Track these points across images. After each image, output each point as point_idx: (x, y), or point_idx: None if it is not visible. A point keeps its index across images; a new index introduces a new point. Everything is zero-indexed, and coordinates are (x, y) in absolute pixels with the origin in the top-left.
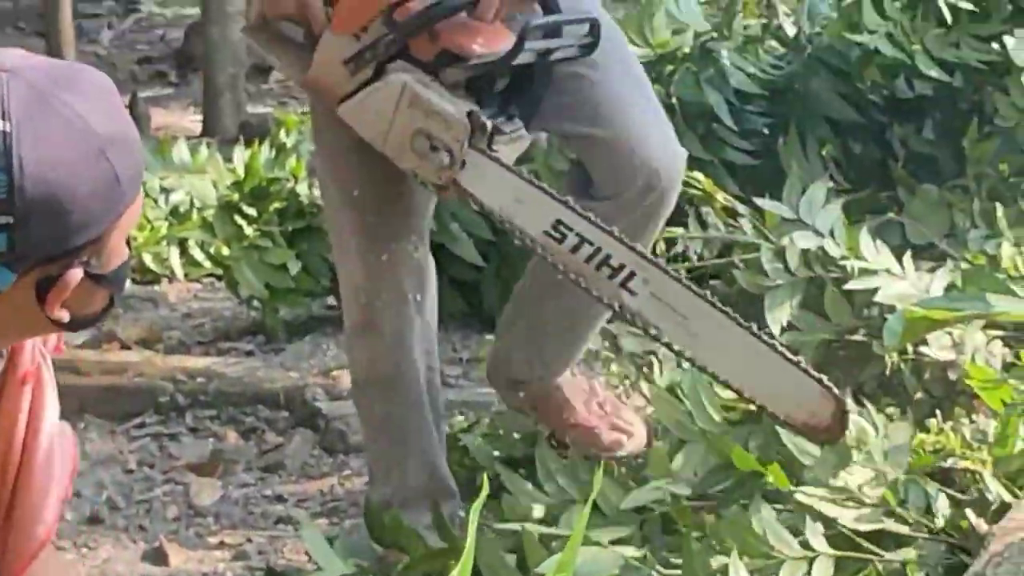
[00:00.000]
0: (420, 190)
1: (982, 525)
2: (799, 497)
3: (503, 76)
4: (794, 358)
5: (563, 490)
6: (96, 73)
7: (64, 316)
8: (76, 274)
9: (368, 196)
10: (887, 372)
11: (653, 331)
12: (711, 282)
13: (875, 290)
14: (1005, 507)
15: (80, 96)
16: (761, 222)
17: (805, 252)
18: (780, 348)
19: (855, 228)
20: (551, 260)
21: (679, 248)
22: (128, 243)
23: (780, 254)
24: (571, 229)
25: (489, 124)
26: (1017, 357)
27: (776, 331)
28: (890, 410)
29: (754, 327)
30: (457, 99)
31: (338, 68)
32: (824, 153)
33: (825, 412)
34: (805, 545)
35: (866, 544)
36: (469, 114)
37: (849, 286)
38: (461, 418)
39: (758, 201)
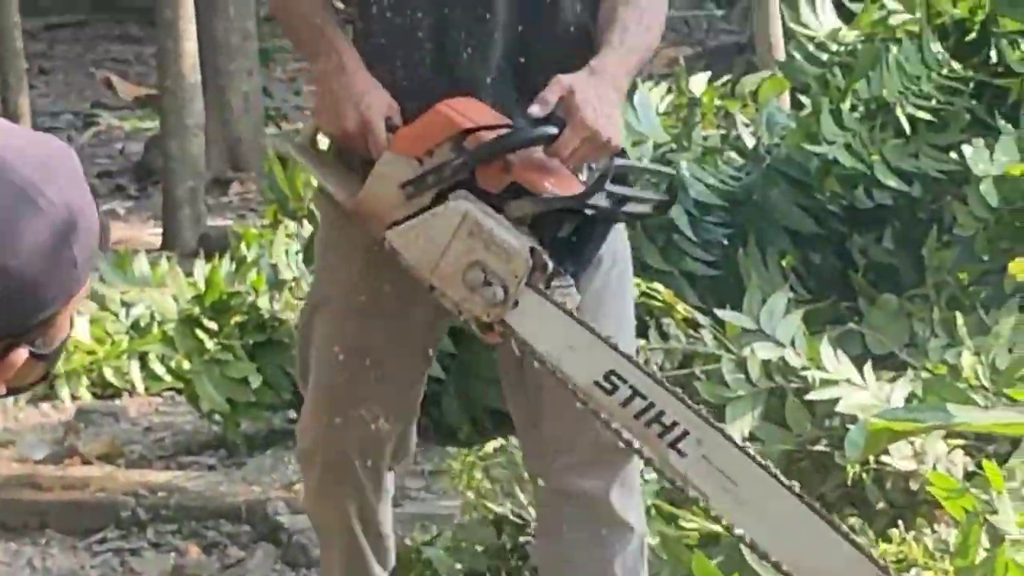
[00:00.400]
0: (412, 360)
1: None
2: None
3: (569, 222)
4: (847, 531)
5: None
6: (67, 153)
7: (1, 390)
8: (22, 354)
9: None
10: (849, 482)
11: (697, 495)
12: None
13: (836, 400)
14: None
15: (54, 184)
16: (722, 333)
17: (766, 362)
18: (834, 521)
19: (816, 338)
20: (595, 409)
21: (640, 358)
22: (71, 320)
23: (741, 365)
24: (624, 381)
25: (550, 264)
26: (979, 466)
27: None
28: (852, 520)
29: (806, 497)
30: (520, 234)
31: (394, 191)
32: (784, 263)
33: None
34: None
35: None
36: (531, 250)
37: (810, 396)
38: (423, 532)
39: (719, 312)
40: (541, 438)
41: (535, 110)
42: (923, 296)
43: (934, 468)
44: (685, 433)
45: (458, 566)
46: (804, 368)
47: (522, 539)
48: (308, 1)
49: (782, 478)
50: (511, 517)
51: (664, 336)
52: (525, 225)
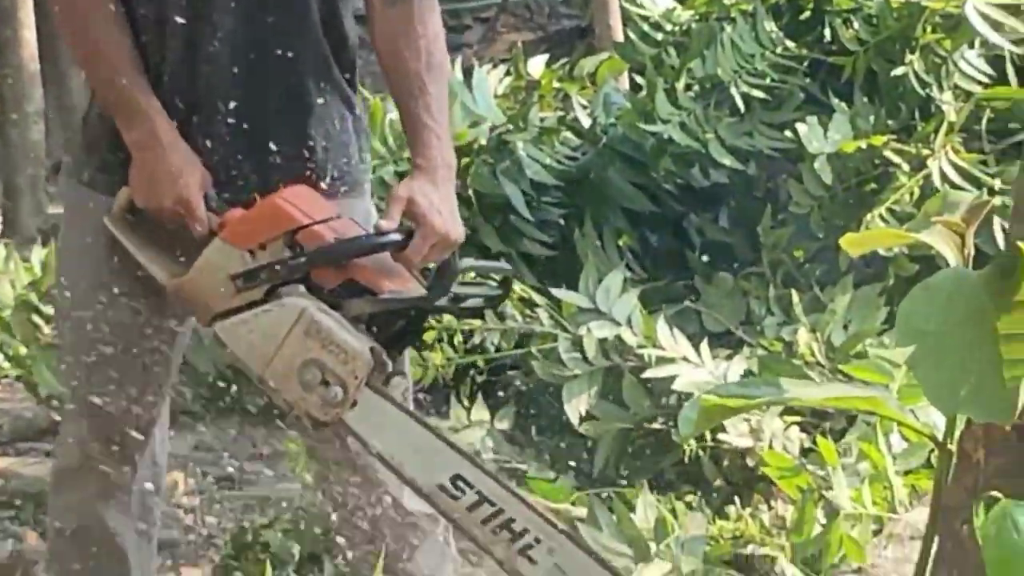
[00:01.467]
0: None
1: None
2: None
3: (403, 317)
4: None
5: None
6: None
7: None
8: None
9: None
10: (686, 460)
11: None
12: (508, 373)
13: (673, 378)
14: None
15: None
16: (558, 312)
17: (602, 341)
18: None
19: (652, 317)
20: (443, 512)
21: (476, 340)
22: None
23: (578, 344)
24: (471, 486)
25: (389, 364)
26: (815, 442)
27: (575, 421)
28: (689, 498)
29: None
30: (359, 333)
31: (222, 281)
32: (621, 243)
33: None
34: None
35: None
36: (372, 350)
37: (647, 375)
38: (261, 516)
39: (555, 291)
40: None
41: (384, 226)
42: (759, 274)
43: (770, 446)
44: (537, 540)
45: (296, 549)
46: (640, 346)
47: None
48: (115, 55)
49: None
50: None
51: (501, 316)
52: (361, 323)
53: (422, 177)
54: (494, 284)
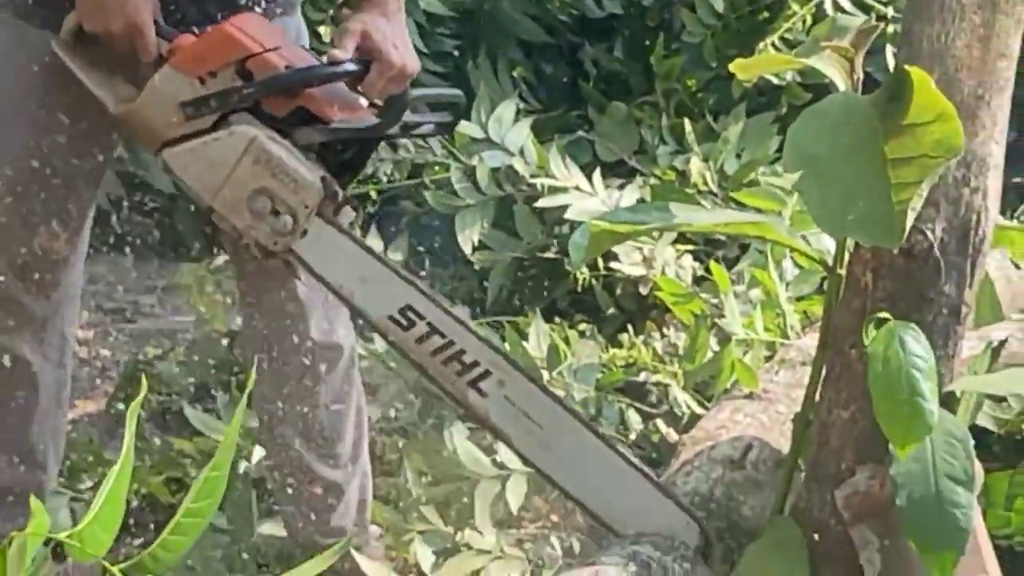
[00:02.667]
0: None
1: (672, 435)
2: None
3: (353, 147)
4: (660, 482)
5: None
6: None
7: None
8: None
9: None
10: (579, 289)
11: (502, 436)
12: (402, 203)
13: (565, 207)
14: (695, 418)
15: None
16: (451, 143)
17: (495, 171)
18: (645, 471)
19: (545, 146)
20: (392, 344)
21: (369, 170)
22: None
23: (470, 174)
24: (422, 317)
25: (340, 193)
26: (707, 270)
27: (468, 251)
28: (582, 327)
29: (618, 447)
30: (309, 162)
31: (171, 109)
32: (515, 73)
33: (690, 542)
34: (499, 464)
35: None
36: (322, 179)
37: (540, 204)
38: (155, 347)
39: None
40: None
41: (338, 55)
42: (652, 104)
43: (663, 273)
44: (487, 373)
45: (190, 380)
46: (533, 176)
47: None
48: None
49: (588, 422)
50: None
51: (393, 147)
52: (312, 152)
53: (373, 11)
54: (443, 112)
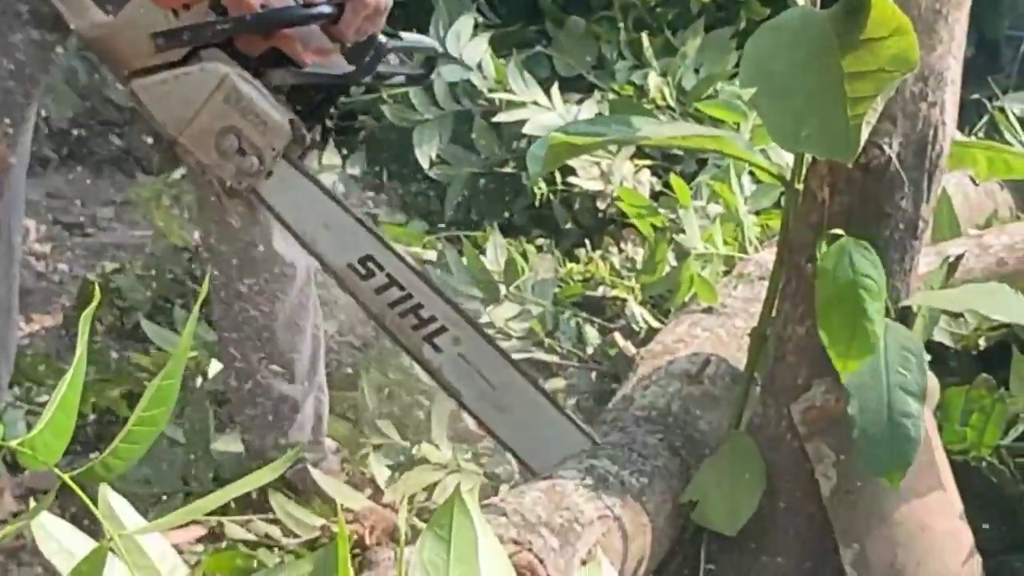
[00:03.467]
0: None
1: (630, 349)
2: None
3: (323, 92)
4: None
5: None
6: None
7: None
8: None
9: None
10: (537, 204)
11: (453, 393)
12: (360, 118)
13: (523, 122)
14: (652, 332)
15: None
16: (408, 57)
17: (453, 85)
18: (596, 438)
19: (503, 61)
20: (350, 293)
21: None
22: None
23: (428, 88)
24: (381, 268)
25: (308, 137)
26: (666, 185)
27: (426, 165)
28: (540, 241)
29: (570, 412)
30: (279, 104)
31: (143, 39)
32: None
33: None
34: None
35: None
36: (291, 122)
37: (497, 119)
38: (112, 262)
39: (404, 35)
40: None
41: None
42: (611, 19)
43: (621, 186)
44: (443, 329)
45: (147, 294)
46: (491, 91)
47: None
48: None
49: (542, 387)
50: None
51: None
52: (282, 94)
53: None
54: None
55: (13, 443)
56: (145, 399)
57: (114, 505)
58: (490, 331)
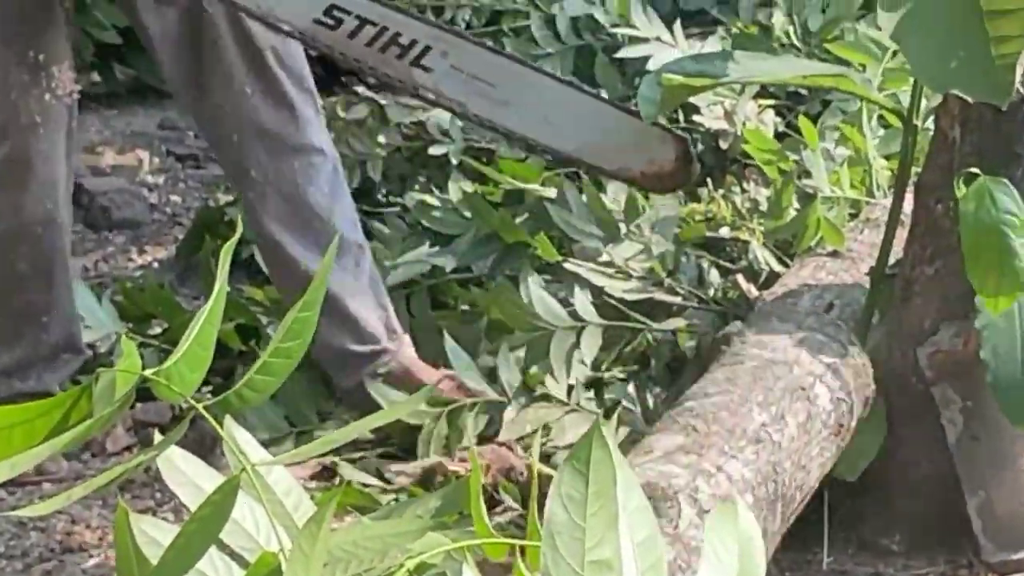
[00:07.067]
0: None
1: (752, 291)
2: (568, 267)
3: None
4: (623, 105)
5: None
6: None
7: None
8: None
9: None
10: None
11: (457, 107)
12: None
13: (646, 59)
14: (774, 275)
15: None
16: None
17: (575, 20)
18: (605, 97)
19: None
20: (326, 49)
21: (448, 16)
22: None
23: (550, 22)
24: (348, 12)
25: None
26: (788, 126)
27: None
28: None
29: (574, 80)
30: None
31: None
32: None
33: (667, 156)
34: (574, 315)
35: (635, 314)
36: None
37: (620, 54)
38: (225, 194)
39: None
40: None
41: None
42: None
43: (748, 128)
44: (427, 48)
45: None
46: (614, 25)
47: None
48: None
49: (538, 67)
50: None
51: None
52: None
53: None
54: None
55: (148, 372)
56: (281, 330)
57: (239, 438)
58: (611, 269)
